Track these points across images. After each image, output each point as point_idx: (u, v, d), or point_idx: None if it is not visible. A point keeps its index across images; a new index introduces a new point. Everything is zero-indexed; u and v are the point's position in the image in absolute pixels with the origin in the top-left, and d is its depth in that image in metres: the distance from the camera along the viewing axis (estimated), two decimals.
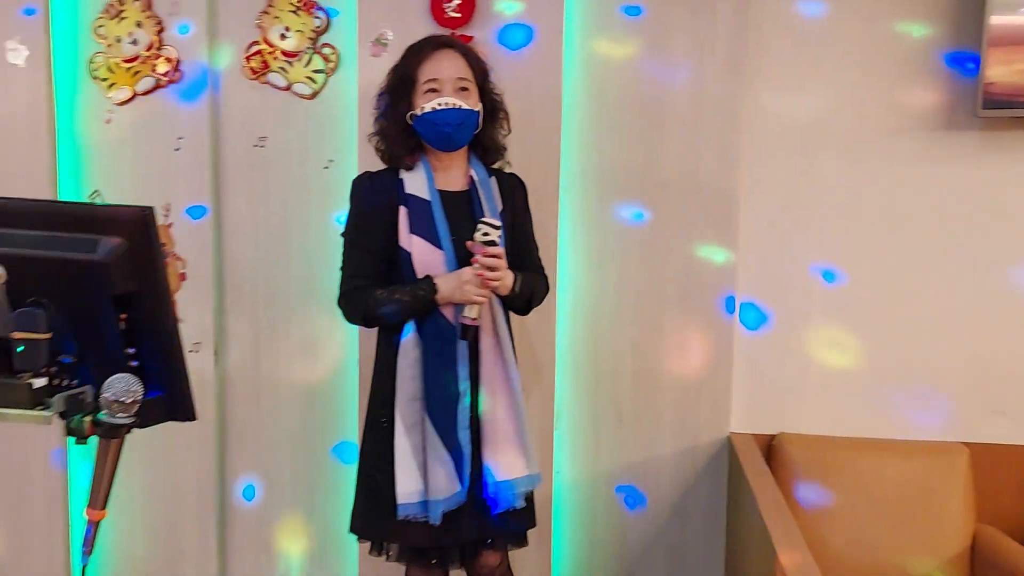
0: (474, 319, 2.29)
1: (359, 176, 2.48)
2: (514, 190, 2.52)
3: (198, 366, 3.10)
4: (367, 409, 2.47)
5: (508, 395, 2.37)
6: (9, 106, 3.09)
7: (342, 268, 2.42)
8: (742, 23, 2.83)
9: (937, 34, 2.80)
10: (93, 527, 1.42)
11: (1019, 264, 2.84)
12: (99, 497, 1.41)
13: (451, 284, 2.28)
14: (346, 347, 3.11)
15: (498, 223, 2.30)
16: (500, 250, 2.28)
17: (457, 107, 2.30)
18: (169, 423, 1.56)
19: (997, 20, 2.60)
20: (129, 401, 1.38)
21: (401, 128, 2.38)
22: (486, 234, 2.27)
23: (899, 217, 2.89)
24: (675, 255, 2.95)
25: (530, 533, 2.57)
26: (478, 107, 2.37)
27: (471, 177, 2.42)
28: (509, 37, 2.84)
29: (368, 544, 2.47)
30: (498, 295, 2.36)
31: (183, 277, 3.14)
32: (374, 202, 2.40)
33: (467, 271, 2.28)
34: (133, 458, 3.15)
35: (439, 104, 2.30)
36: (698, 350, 2.96)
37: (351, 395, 3.10)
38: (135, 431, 1.45)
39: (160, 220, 3.10)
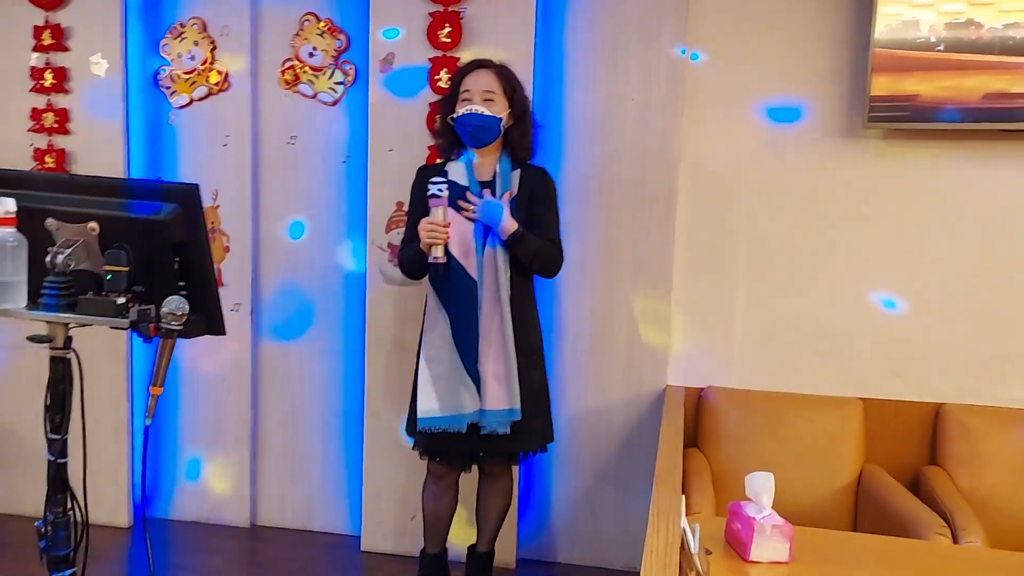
0: (436, 257, 2.89)
1: (418, 168, 3.16)
2: (533, 180, 3.06)
3: (237, 323, 3.79)
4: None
5: (499, 343, 2.94)
6: (92, 108, 3.79)
7: (403, 236, 3.16)
8: (680, 49, 3.41)
9: (836, 58, 3.35)
10: (153, 399, 2.07)
11: (913, 246, 3.34)
12: (158, 379, 2.04)
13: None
14: (355, 309, 3.77)
15: (442, 180, 2.88)
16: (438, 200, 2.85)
17: (479, 112, 2.93)
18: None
19: (879, 50, 3.17)
20: (180, 314, 1.98)
21: (447, 128, 3.04)
22: (427, 189, 2.88)
23: (813, 207, 3.40)
24: (624, 241, 3.52)
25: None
26: (501, 114, 2.97)
27: (495, 170, 3.03)
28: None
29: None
30: (515, 258, 2.94)
31: (227, 250, 3.81)
32: (421, 189, 3.03)
33: (422, 222, 2.90)
34: (184, 397, 3.88)
35: (466, 110, 2.94)
36: (642, 318, 3.54)
37: (360, 345, 3.75)
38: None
39: (209, 202, 3.78)
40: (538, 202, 3.04)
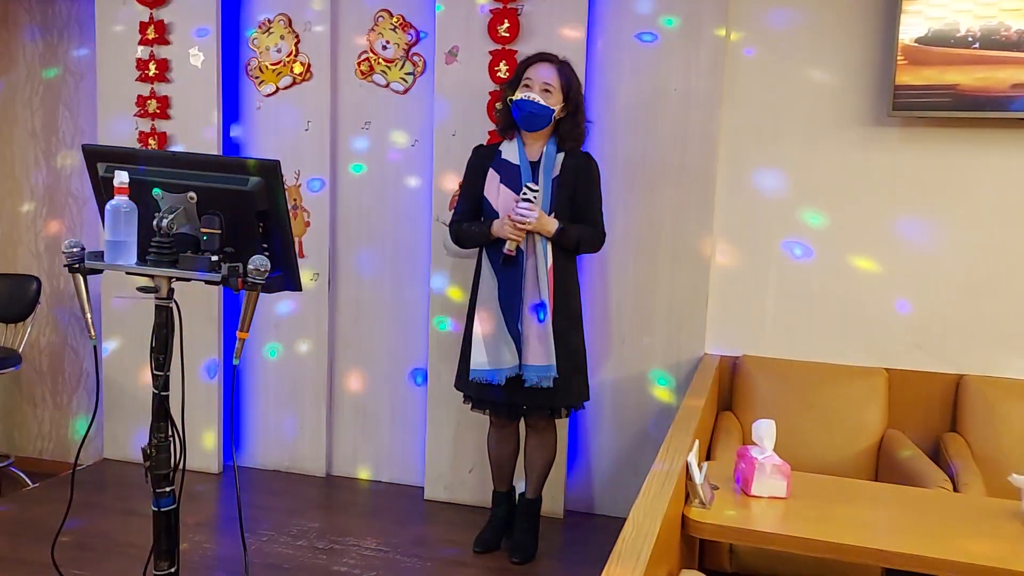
0: (510, 251, 3.25)
1: (474, 148, 3.53)
2: (578, 164, 3.39)
3: (317, 291, 4.19)
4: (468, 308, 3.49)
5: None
6: (191, 95, 4.22)
7: (455, 207, 3.53)
8: (720, 41, 3.68)
9: (864, 51, 3.58)
10: (240, 343, 2.43)
11: (936, 227, 3.55)
12: (245, 325, 2.39)
13: (498, 224, 3.29)
14: (420, 279, 4.13)
15: (537, 187, 3.24)
16: (529, 205, 3.20)
17: (533, 101, 3.27)
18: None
19: (904, 42, 3.41)
20: (263, 270, 2.32)
21: (506, 108, 3.39)
22: (524, 194, 3.23)
23: (841, 189, 3.64)
24: (666, 220, 3.80)
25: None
26: (555, 107, 3.30)
27: (542, 152, 3.37)
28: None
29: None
30: (554, 240, 3.28)
31: (308, 225, 4.21)
32: (476, 167, 3.45)
33: (506, 217, 3.26)
34: (269, 359, 4.28)
35: (524, 96, 3.28)
36: (682, 292, 3.82)
37: (425, 313, 4.12)
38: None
39: (292, 182, 4.18)
40: (582, 185, 3.38)
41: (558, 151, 3.36)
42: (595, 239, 3.42)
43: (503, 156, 3.37)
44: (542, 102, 3.26)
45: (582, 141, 3.41)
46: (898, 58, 3.43)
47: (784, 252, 3.75)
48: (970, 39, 3.39)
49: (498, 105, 3.49)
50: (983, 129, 3.49)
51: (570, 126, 3.35)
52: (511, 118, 3.36)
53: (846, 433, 3.55)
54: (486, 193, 3.37)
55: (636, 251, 3.86)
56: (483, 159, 3.43)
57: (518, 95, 3.28)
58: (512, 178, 3.33)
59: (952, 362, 3.60)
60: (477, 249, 3.46)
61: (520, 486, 3.66)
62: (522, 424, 3.60)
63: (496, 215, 3.33)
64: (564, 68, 3.34)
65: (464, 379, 3.42)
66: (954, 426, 3.56)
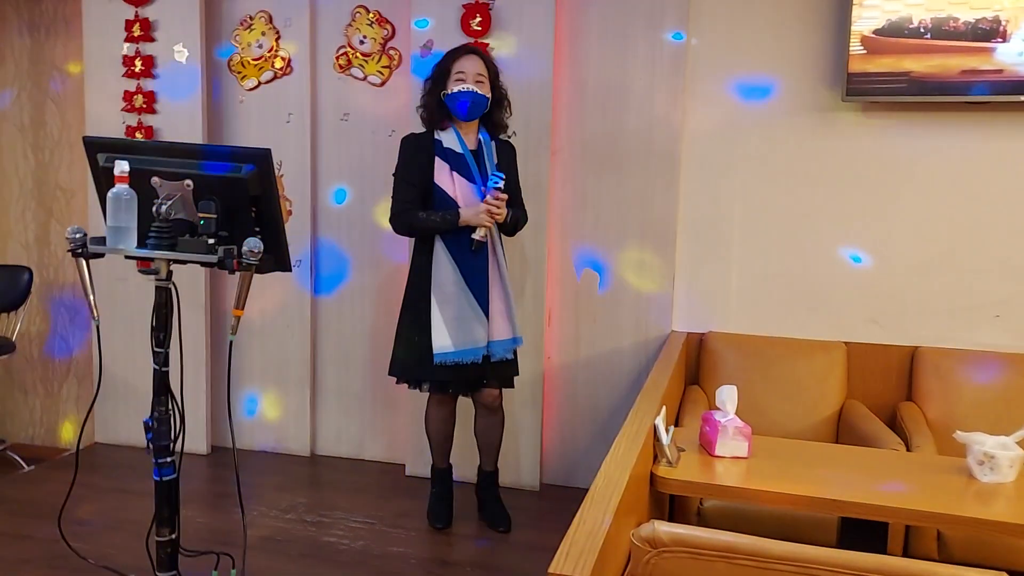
0: (481, 237, 3.42)
1: (406, 136, 3.61)
2: (507, 152, 3.61)
3: (299, 277, 4.35)
4: (404, 295, 3.61)
5: (500, 287, 3.48)
6: (176, 90, 4.36)
7: (393, 197, 3.53)
8: (683, 30, 3.87)
9: (819, 40, 3.78)
10: (236, 319, 2.59)
11: (890, 207, 3.76)
12: (240, 302, 2.54)
13: (470, 213, 3.41)
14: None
15: (505, 177, 3.39)
16: (505, 196, 3.38)
17: (474, 91, 3.42)
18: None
19: (864, 33, 3.62)
20: (256, 252, 2.47)
21: (437, 102, 3.50)
22: (496, 184, 3.39)
23: (798, 172, 3.84)
24: (633, 204, 3.99)
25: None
26: (488, 95, 3.47)
27: (479, 140, 3.53)
28: (514, 43, 3.94)
29: (403, 383, 3.64)
30: (497, 223, 3.47)
31: (290, 213, 4.35)
32: (419, 155, 3.52)
33: (482, 205, 3.40)
34: (254, 343, 4.43)
35: (463, 88, 3.42)
36: (650, 271, 4.01)
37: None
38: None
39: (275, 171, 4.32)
40: (510, 171, 3.56)
41: (490, 140, 3.53)
42: (524, 219, 3.65)
43: (445, 145, 3.47)
44: (480, 91, 3.41)
45: (507, 128, 3.61)
46: (857, 48, 3.63)
47: (747, 233, 3.94)
48: (922, 30, 3.62)
49: (421, 101, 3.56)
50: (935, 113, 3.70)
51: (499, 115, 3.54)
52: (444, 110, 3.47)
53: (808, 404, 3.75)
54: (438, 182, 3.45)
55: (605, 234, 4.05)
56: (424, 148, 3.49)
57: (456, 87, 3.40)
58: (461, 167, 3.45)
59: (907, 335, 3.80)
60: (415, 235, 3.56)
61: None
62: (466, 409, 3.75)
63: (452, 203, 3.42)
64: (489, 59, 3.52)
65: (421, 365, 3.49)
66: (910, 395, 3.76)
